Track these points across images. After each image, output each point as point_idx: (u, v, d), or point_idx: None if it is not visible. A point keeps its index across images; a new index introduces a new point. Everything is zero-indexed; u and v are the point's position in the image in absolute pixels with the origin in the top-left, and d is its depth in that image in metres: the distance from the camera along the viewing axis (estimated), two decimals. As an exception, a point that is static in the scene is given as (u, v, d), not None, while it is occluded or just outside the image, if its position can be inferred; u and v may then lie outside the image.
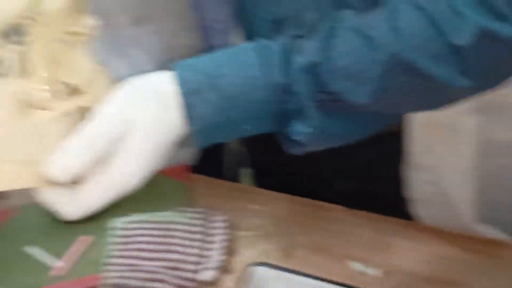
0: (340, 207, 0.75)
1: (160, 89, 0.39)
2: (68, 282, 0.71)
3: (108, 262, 0.70)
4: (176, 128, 0.40)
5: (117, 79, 0.63)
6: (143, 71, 0.46)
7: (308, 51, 0.41)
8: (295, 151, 0.45)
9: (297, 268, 0.66)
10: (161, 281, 0.66)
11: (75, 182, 0.38)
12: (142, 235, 0.73)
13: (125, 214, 0.78)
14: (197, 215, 0.74)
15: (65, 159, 0.36)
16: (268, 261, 0.68)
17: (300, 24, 0.53)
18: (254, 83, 0.39)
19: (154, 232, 0.73)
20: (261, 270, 0.66)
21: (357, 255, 0.69)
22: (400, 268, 0.67)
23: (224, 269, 0.69)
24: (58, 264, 0.73)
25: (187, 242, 0.71)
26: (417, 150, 0.65)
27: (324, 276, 0.63)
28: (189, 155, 0.89)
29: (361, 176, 0.77)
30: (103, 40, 0.71)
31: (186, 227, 0.73)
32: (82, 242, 0.76)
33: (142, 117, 0.38)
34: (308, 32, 0.54)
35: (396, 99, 0.41)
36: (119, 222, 0.75)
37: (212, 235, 0.73)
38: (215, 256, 0.70)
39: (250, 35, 0.65)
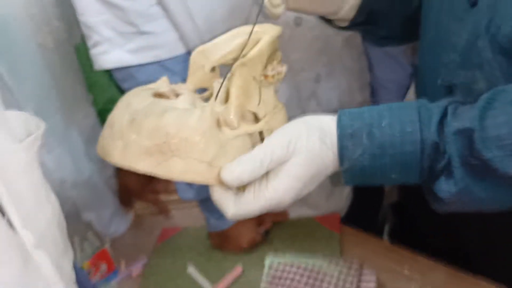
0: (505, 290, 0.70)
1: (324, 128, 0.44)
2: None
3: (258, 298, 0.74)
4: (330, 163, 0.44)
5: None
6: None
7: (465, 117, 0.42)
8: (439, 207, 0.47)
9: None
10: (309, 328, 0.68)
11: (240, 188, 0.45)
12: (293, 279, 0.75)
13: (277, 253, 0.82)
14: (348, 270, 0.75)
15: (238, 169, 0.43)
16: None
17: (470, 92, 0.56)
18: (409, 137, 0.42)
19: (305, 279, 0.75)
20: None
21: None
22: None
23: (369, 330, 0.68)
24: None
25: (336, 295, 0.72)
26: None
27: None
28: (341, 206, 0.91)
29: None
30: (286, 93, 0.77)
31: (337, 281, 0.73)
32: (234, 271, 0.82)
33: (305, 148, 0.43)
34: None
35: None
36: (271, 260, 0.79)
37: (361, 292, 0.73)
38: (363, 315, 0.70)
39: (423, 96, 0.68)
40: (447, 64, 0.58)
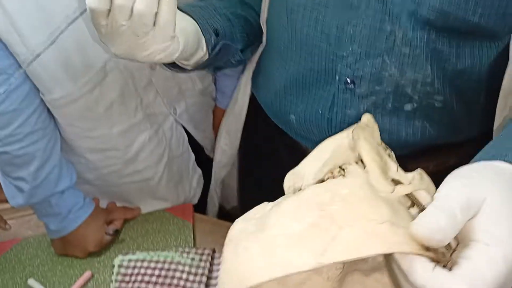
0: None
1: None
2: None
3: (108, 300, 0.71)
4: None
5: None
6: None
7: None
8: None
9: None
10: (161, 322, 0.66)
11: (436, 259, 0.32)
12: (145, 274, 0.73)
13: (128, 251, 0.79)
14: (201, 257, 0.75)
15: (433, 218, 0.32)
16: (268, 307, 0.68)
17: (379, 80, 0.57)
18: None
19: (157, 272, 0.73)
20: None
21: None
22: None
23: (223, 313, 0.69)
24: (58, 299, 0.73)
25: (189, 284, 0.71)
26: None
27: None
28: (192, 195, 0.90)
29: None
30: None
31: (190, 269, 0.73)
32: (83, 277, 0.77)
33: (495, 192, 0.34)
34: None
35: None
36: (121, 260, 0.76)
37: (215, 277, 0.73)
38: (216, 299, 0.70)
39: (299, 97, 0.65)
40: (346, 58, 0.57)
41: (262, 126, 0.76)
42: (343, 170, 0.38)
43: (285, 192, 0.41)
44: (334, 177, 0.38)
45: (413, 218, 0.33)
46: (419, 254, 0.31)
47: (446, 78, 0.57)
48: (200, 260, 0.74)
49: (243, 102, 0.77)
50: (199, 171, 0.90)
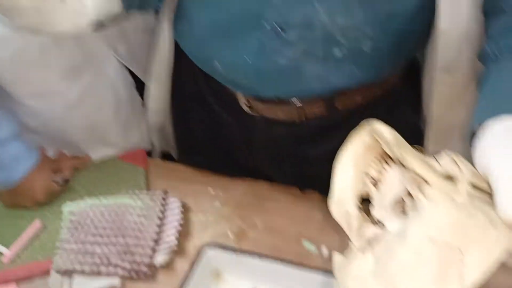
0: (294, 189, 0.76)
1: None
2: (18, 267, 0.69)
3: (59, 247, 0.69)
4: None
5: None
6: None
7: None
8: None
9: (250, 249, 0.67)
10: (114, 265, 0.65)
11: None
12: (93, 220, 0.72)
13: (79, 198, 0.77)
14: (153, 199, 0.74)
15: None
16: (222, 243, 0.68)
17: (311, 28, 0.55)
18: None
19: (107, 216, 0.72)
20: (214, 252, 0.66)
21: (309, 235, 0.70)
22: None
23: (178, 252, 0.69)
24: (8, 250, 0.71)
25: (141, 227, 0.70)
26: None
27: (276, 256, 0.64)
28: (142, 139, 0.88)
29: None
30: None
31: (141, 211, 0.72)
32: (32, 227, 0.75)
33: None
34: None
35: None
36: (70, 206, 0.74)
37: (167, 218, 0.72)
38: (169, 239, 0.69)
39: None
40: (277, 4, 0.54)
41: (187, 71, 0.73)
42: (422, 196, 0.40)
43: (341, 222, 0.44)
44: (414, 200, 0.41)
45: (480, 199, 0.37)
46: None
47: (377, 23, 0.57)
48: (152, 200, 0.73)
49: (165, 46, 0.72)
50: (148, 115, 0.88)
